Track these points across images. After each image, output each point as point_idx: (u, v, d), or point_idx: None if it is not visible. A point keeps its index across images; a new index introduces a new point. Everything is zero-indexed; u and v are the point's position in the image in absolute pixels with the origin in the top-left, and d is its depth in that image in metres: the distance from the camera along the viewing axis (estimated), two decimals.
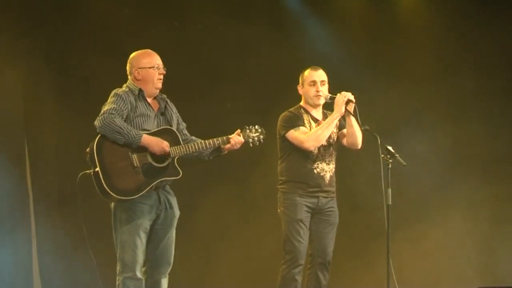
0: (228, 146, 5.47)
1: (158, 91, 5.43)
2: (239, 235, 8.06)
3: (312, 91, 6.17)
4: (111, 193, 5.11)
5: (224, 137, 5.45)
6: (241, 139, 5.49)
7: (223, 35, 8.17)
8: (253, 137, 5.54)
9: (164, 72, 5.41)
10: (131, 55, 5.46)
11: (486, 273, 8.04)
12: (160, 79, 5.40)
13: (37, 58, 7.66)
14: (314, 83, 6.17)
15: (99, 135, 5.16)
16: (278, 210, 6.18)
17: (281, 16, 8.33)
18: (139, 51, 5.46)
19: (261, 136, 5.57)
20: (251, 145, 5.56)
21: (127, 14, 7.96)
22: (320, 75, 6.20)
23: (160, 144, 5.22)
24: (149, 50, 5.46)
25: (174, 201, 5.43)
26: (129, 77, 5.43)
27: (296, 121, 6.14)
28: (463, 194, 8.16)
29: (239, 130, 5.53)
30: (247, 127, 5.55)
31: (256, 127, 5.58)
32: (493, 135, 8.25)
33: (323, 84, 6.19)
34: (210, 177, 7.88)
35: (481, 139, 8.24)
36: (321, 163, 6.14)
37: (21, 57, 7.58)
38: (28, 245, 7.64)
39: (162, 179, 5.26)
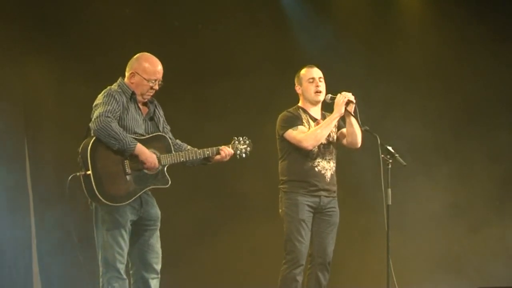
0: (218, 157, 5.49)
1: (145, 100, 5.36)
2: (240, 235, 8.06)
3: (311, 87, 6.18)
4: (100, 198, 5.06)
5: (215, 148, 5.47)
6: (231, 151, 5.52)
7: (223, 35, 8.16)
8: (241, 149, 5.59)
9: (157, 88, 5.31)
10: (138, 54, 5.38)
11: (486, 273, 8.04)
12: (150, 94, 5.32)
13: (37, 58, 7.65)
14: (312, 80, 6.18)
15: (93, 138, 5.09)
16: (280, 210, 6.16)
17: (281, 16, 8.33)
18: (146, 56, 5.35)
19: (248, 149, 5.63)
20: (238, 157, 5.59)
21: (127, 14, 7.95)
22: (317, 72, 6.22)
23: (151, 160, 5.18)
24: (156, 60, 5.34)
25: (153, 201, 5.40)
26: (126, 74, 5.34)
27: (294, 121, 6.13)
28: (463, 193, 8.16)
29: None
30: (236, 138, 5.59)
31: (245, 138, 5.62)
32: (493, 134, 8.27)
33: (321, 81, 6.21)
34: (211, 178, 7.87)
35: (481, 138, 8.25)
36: (321, 161, 6.13)
37: (21, 57, 7.58)
38: (28, 245, 7.63)
39: (151, 187, 5.25)
